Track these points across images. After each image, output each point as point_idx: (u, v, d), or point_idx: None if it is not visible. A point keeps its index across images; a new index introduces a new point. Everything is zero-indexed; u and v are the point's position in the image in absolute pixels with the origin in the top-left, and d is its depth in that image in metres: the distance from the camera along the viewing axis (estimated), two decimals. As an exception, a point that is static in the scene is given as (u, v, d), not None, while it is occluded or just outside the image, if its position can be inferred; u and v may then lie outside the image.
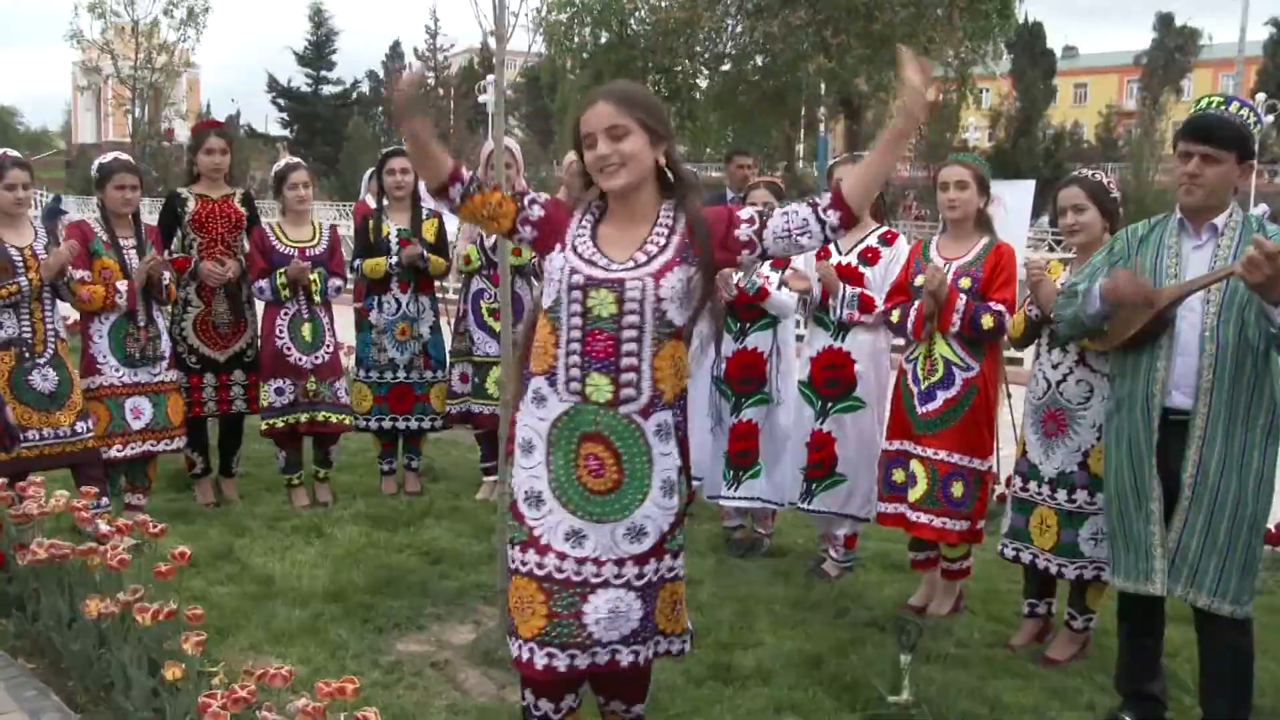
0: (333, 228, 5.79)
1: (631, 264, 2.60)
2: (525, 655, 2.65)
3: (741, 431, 4.96)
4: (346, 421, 5.64)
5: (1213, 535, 3.18)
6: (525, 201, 2.73)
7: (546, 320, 2.66)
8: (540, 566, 2.65)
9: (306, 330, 5.51)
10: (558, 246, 2.68)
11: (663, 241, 2.63)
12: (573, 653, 2.62)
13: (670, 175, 2.72)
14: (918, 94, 2.49)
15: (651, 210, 2.68)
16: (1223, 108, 3.30)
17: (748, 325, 4.96)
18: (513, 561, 2.71)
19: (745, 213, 2.68)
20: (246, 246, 5.55)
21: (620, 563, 2.62)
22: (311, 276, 5.46)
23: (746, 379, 4.98)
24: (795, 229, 2.62)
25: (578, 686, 2.80)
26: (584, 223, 2.71)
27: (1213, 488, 3.17)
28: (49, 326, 4.74)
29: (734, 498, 5.01)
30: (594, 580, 2.62)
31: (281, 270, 5.41)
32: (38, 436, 4.64)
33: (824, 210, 2.61)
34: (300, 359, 5.48)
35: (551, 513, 2.65)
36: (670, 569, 2.72)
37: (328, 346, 5.59)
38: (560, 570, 2.63)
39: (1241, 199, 3.39)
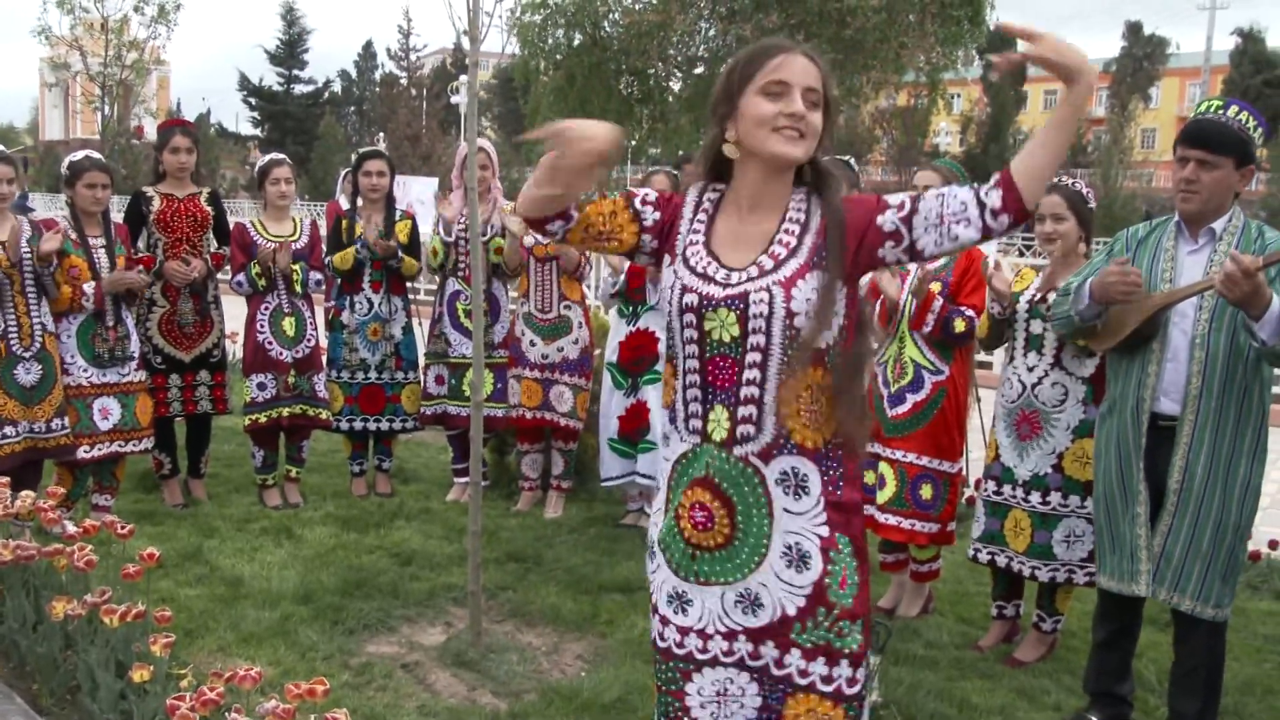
0: (313, 223, 5.77)
1: (756, 271, 2.07)
2: None
3: (635, 410, 5.17)
4: (324, 416, 5.62)
5: (1197, 541, 3.18)
6: (638, 206, 2.18)
7: (668, 349, 2.19)
8: (652, 630, 2.24)
9: (288, 324, 5.49)
10: (668, 258, 2.16)
11: (794, 241, 2.08)
12: None
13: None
14: (1079, 63, 1.94)
15: (781, 201, 2.13)
16: (1221, 112, 3.18)
17: (639, 307, 5.20)
18: None
19: (895, 198, 2.10)
20: (213, 245, 5.52)
21: (730, 636, 2.12)
22: (294, 267, 5.46)
23: (638, 359, 5.19)
24: (950, 215, 2.01)
25: None
26: (697, 221, 2.18)
27: (1198, 494, 3.17)
28: (35, 320, 4.72)
29: (619, 477, 5.27)
30: (699, 656, 2.15)
31: (254, 260, 5.40)
32: (15, 431, 4.63)
33: (985, 193, 2.00)
34: (281, 353, 5.46)
35: (660, 568, 2.21)
36: (804, 672, 2.10)
37: (308, 340, 5.57)
38: (663, 638, 2.19)
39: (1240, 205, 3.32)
